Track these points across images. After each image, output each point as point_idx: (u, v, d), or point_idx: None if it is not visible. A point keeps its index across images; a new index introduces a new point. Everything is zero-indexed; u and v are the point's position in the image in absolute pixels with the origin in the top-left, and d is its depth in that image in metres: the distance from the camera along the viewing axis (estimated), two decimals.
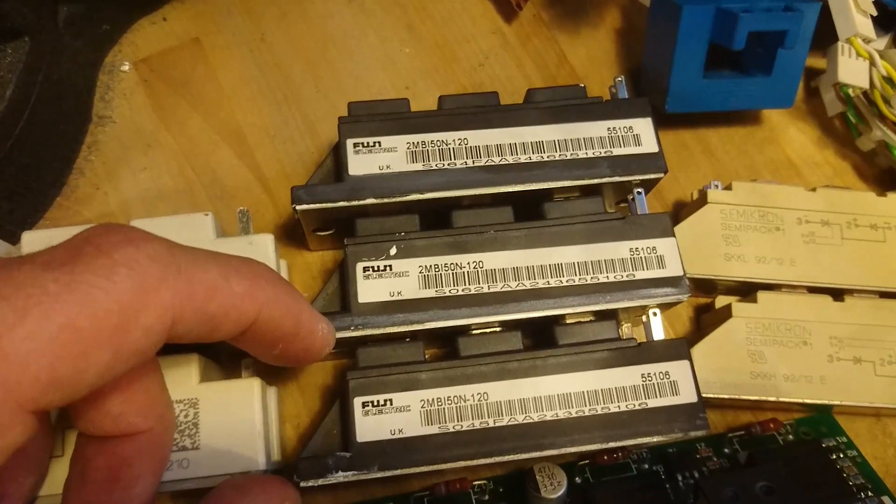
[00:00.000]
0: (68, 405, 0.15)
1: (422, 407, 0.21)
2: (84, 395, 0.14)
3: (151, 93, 0.31)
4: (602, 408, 0.22)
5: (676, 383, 0.22)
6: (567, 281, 0.23)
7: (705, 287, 0.28)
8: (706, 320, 0.28)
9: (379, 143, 0.24)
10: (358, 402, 0.21)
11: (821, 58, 0.31)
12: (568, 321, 0.24)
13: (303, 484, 0.20)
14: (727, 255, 0.27)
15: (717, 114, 0.31)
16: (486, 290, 0.23)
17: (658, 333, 0.24)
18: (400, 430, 0.21)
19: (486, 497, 0.24)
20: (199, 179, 0.29)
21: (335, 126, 0.25)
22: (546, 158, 0.25)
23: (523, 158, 0.24)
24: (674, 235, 0.24)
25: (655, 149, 0.25)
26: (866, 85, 0.30)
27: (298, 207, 0.23)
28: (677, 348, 0.23)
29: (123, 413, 0.17)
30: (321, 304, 0.23)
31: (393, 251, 0.23)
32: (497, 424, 0.21)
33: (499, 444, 0.21)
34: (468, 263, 0.23)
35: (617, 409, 0.22)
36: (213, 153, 0.30)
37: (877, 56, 0.29)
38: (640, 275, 0.23)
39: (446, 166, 0.24)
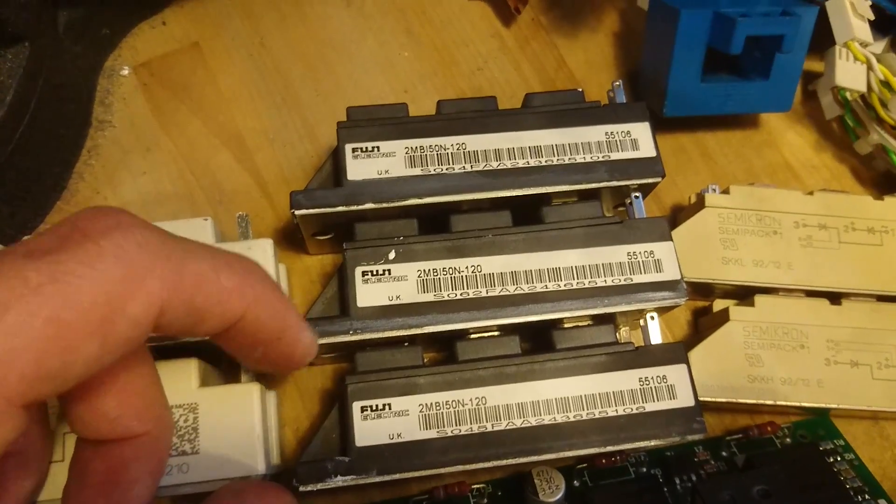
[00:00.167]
0: (63, 404, 0.15)
1: (420, 411, 0.22)
2: (73, 386, 0.14)
3: (151, 97, 0.31)
4: (600, 412, 0.22)
5: (674, 387, 0.22)
6: (565, 285, 0.23)
7: (703, 290, 0.28)
8: (704, 324, 0.28)
9: (378, 147, 0.24)
10: (357, 406, 0.22)
11: (818, 61, 0.32)
12: (566, 325, 0.24)
13: (302, 488, 0.20)
14: (725, 259, 0.27)
15: (715, 117, 0.31)
16: (484, 294, 0.23)
17: (656, 337, 0.24)
18: (398, 435, 0.21)
19: (485, 501, 0.24)
20: (199, 183, 0.30)
21: (334, 129, 0.25)
22: (544, 163, 0.25)
23: (521, 163, 0.25)
24: (671, 239, 0.24)
25: (653, 153, 0.25)
26: (864, 88, 0.30)
27: (297, 212, 0.23)
28: (674, 352, 0.23)
29: (120, 416, 0.17)
30: (320, 309, 0.23)
31: (392, 255, 0.23)
32: (495, 429, 0.22)
33: (497, 448, 0.21)
34: (467, 267, 0.23)
35: (615, 413, 0.22)
36: (213, 157, 0.30)
37: (874, 60, 0.29)
38: (638, 279, 0.23)
39: (445, 171, 0.24)
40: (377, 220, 0.24)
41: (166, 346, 0.21)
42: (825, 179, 0.32)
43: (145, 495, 0.17)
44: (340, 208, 0.23)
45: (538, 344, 0.24)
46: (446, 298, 0.23)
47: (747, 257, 0.27)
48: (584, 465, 0.24)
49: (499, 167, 0.24)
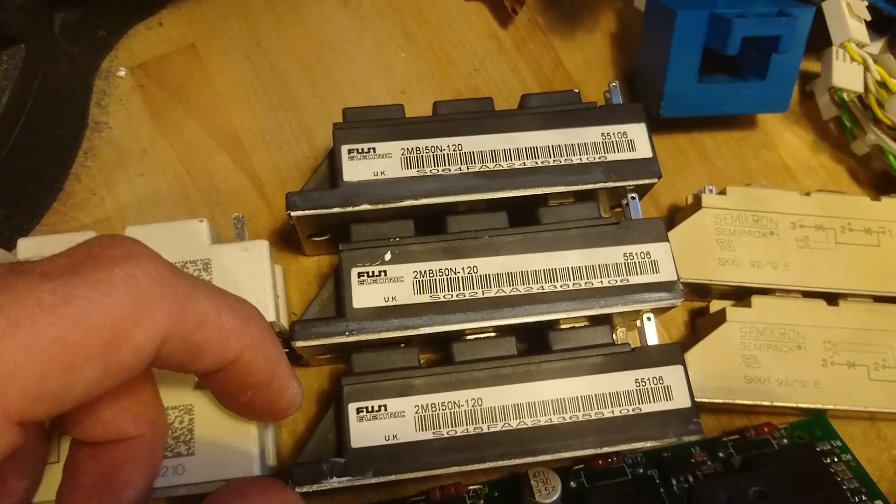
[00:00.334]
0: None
1: (416, 412, 0.22)
2: (70, 409, 0.14)
3: (148, 98, 0.31)
4: (596, 413, 0.22)
5: (670, 388, 0.22)
6: (561, 286, 0.23)
7: (700, 291, 0.28)
8: (701, 324, 0.28)
9: (374, 149, 0.24)
10: (353, 407, 0.21)
11: (815, 62, 0.32)
12: (562, 326, 0.24)
13: (298, 490, 0.20)
14: (721, 260, 0.27)
15: (712, 118, 0.31)
16: (480, 295, 0.23)
17: (652, 338, 0.24)
18: (394, 436, 0.21)
19: (481, 502, 0.24)
20: (195, 184, 0.30)
21: (331, 130, 0.25)
22: (540, 164, 0.25)
23: (518, 164, 0.24)
24: (668, 240, 0.24)
25: (649, 154, 0.25)
26: (860, 89, 0.30)
27: (293, 214, 0.23)
28: (671, 353, 0.23)
29: (114, 419, 0.17)
30: (316, 310, 0.23)
31: (388, 256, 0.23)
32: (491, 430, 0.22)
33: (493, 449, 0.21)
34: (463, 269, 0.23)
35: (611, 415, 0.22)
36: (209, 158, 0.30)
37: (871, 60, 0.29)
38: (635, 279, 0.23)
39: (441, 172, 0.24)
40: (373, 221, 0.24)
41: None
42: (822, 180, 0.32)
43: (138, 498, 0.17)
44: (336, 210, 0.23)
45: (534, 345, 0.24)
46: (442, 299, 0.23)
47: (744, 258, 0.27)
48: (581, 466, 0.24)
49: (495, 168, 0.24)
